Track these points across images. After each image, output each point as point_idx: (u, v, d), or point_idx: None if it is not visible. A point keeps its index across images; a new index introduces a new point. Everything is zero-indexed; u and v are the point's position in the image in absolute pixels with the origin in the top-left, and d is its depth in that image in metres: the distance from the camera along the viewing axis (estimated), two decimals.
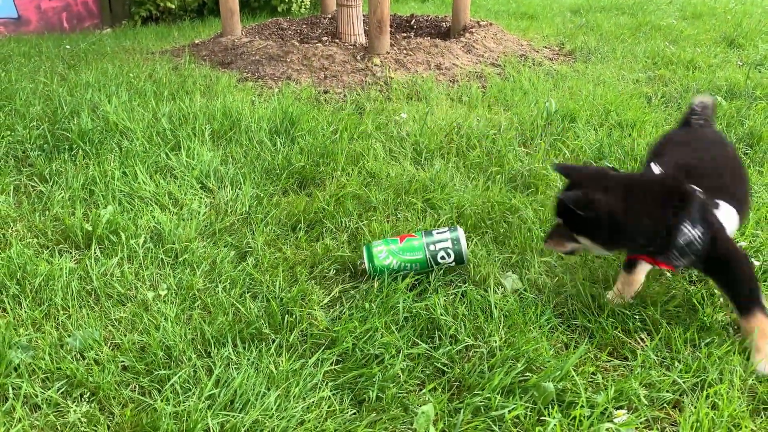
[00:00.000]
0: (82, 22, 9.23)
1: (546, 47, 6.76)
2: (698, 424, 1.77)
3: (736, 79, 5.24)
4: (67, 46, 6.78)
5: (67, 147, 3.58)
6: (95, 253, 2.62)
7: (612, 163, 3.39)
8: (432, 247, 2.52)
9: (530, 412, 1.83)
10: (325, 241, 2.76)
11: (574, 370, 1.97)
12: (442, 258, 2.53)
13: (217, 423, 1.80)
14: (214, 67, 5.62)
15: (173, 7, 9.34)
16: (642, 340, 2.19)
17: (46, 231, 2.79)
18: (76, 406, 1.85)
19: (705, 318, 2.25)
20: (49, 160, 3.47)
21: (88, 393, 1.91)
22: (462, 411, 1.83)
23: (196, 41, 6.69)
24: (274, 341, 2.14)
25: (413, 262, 2.51)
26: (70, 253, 2.67)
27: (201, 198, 3.12)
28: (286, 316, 2.25)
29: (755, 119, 4.18)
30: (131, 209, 2.98)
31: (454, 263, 2.55)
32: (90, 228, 2.75)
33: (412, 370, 2.03)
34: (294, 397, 1.90)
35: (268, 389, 1.93)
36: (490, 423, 1.80)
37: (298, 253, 2.68)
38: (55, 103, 4.17)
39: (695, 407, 1.83)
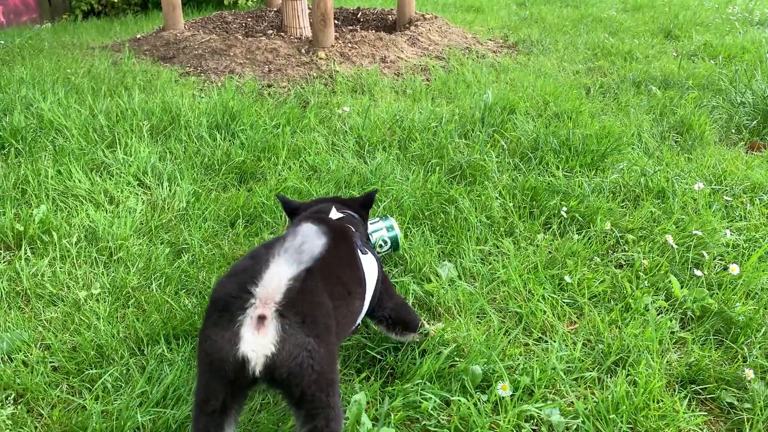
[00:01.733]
0: (20, 16, 8.93)
1: (490, 40, 6.86)
2: (617, 400, 1.85)
3: (670, 69, 5.42)
4: (1, 42, 6.55)
5: None
6: (26, 253, 2.57)
7: (548, 152, 3.48)
8: (370, 237, 2.55)
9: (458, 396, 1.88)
10: (264, 236, 2.76)
11: (503, 353, 2.04)
12: (380, 246, 2.57)
13: (149, 419, 1.80)
14: (156, 62, 5.53)
15: (116, 0, 9.11)
16: (573, 323, 2.27)
17: None
18: (1, 408, 1.82)
19: (630, 300, 2.34)
20: None
21: (15, 395, 1.88)
22: (390, 398, 1.87)
23: (138, 36, 6.56)
24: None
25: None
26: (0, 254, 2.60)
27: (137, 195, 3.08)
28: None
29: (686, 108, 4.34)
30: (65, 208, 2.92)
31: (391, 250, 2.59)
32: (21, 228, 2.69)
33: (348, 359, 2.06)
34: None
35: None
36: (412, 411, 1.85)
37: (236, 249, 2.67)
38: None
39: (616, 385, 1.91)
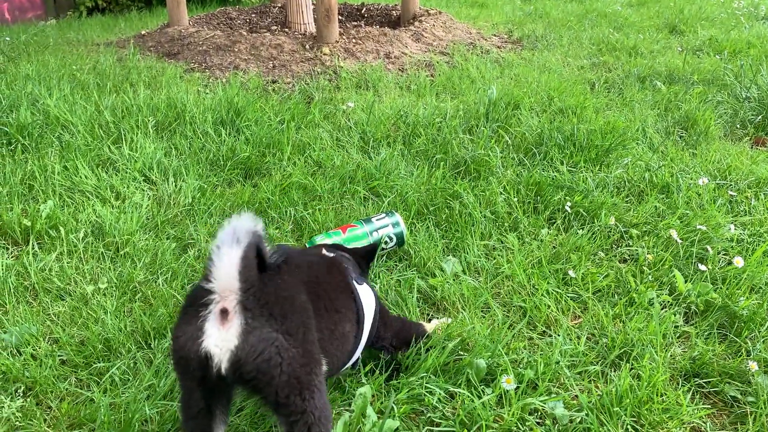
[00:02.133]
0: (25, 13, 8.96)
1: (495, 35, 6.85)
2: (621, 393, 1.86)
3: (675, 64, 5.41)
4: (7, 38, 6.58)
5: (5, 142, 3.51)
6: (33, 248, 2.59)
7: (552, 147, 3.48)
8: (375, 234, 2.56)
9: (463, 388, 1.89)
10: (269, 230, 2.78)
11: (507, 347, 2.05)
12: (386, 243, 2.58)
13: (156, 412, 1.82)
14: (161, 58, 5.54)
15: None
16: (577, 317, 2.28)
17: None
18: (10, 401, 1.84)
19: (634, 295, 2.34)
20: None
21: (24, 388, 1.90)
22: (395, 391, 1.88)
23: (143, 32, 6.57)
24: None
25: None
26: (8, 249, 2.63)
27: (143, 191, 3.10)
28: None
29: (691, 103, 4.34)
30: (72, 203, 2.94)
31: (396, 246, 2.60)
32: (29, 223, 2.71)
33: None
34: None
35: None
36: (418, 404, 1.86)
37: None
38: None
39: (620, 379, 1.92)
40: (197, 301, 1.38)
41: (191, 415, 1.46)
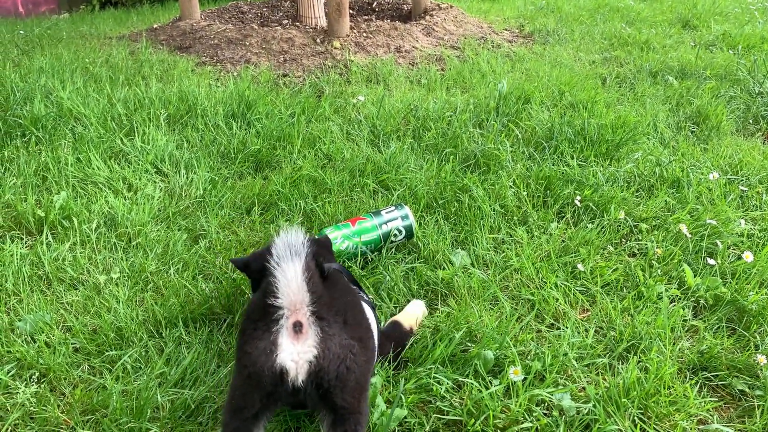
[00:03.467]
0: (38, 6, 9.03)
1: (506, 29, 6.83)
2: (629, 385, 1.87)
3: (688, 59, 5.37)
4: (21, 32, 6.64)
5: (19, 134, 3.55)
6: (47, 238, 2.62)
7: (563, 141, 3.47)
8: (384, 227, 2.58)
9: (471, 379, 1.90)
10: (279, 222, 2.80)
11: (515, 339, 2.06)
12: (395, 235, 2.59)
13: (168, 400, 1.84)
14: (172, 51, 5.57)
15: None
16: (585, 310, 2.29)
17: None
18: (25, 386, 1.87)
19: (642, 288, 2.35)
20: (0, 147, 3.43)
21: (38, 374, 1.94)
22: (404, 381, 1.90)
23: (155, 26, 6.61)
24: (225, 321, 2.18)
25: (368, 243, 2.56)
26: (22, 239, 2.66)
27: (155, 182, 3.13)
28: (239, 296, 2.29)
29: (703, 98, 4.31)
30: (84, 195, 2.98)
31: (405, 239, 2.61)
32: (42, 214, 2.74)
33: None
34: None
35: (219, 366, 1.98)
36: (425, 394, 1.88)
37: (252, 235, 2.71)
38: (8, 89, 4.10)
39: (627, 371, 1.92)
40: (265, 317, 1.38)
41: (240, 418, 1.46)
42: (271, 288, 1.38)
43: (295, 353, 1.36)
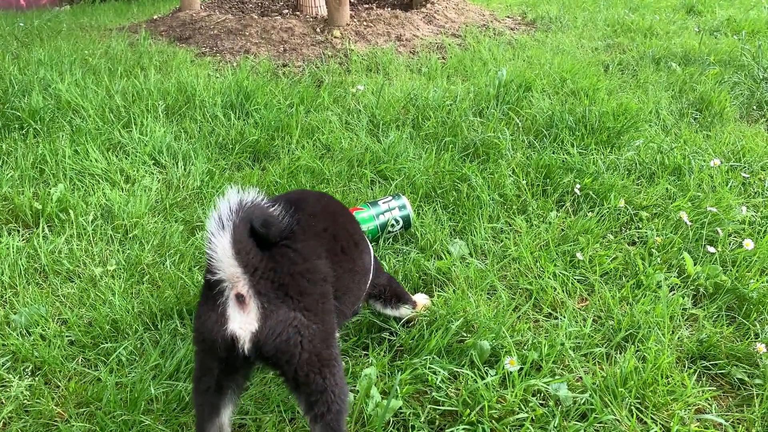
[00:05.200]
0: None
1: (508, 17, 6.77)
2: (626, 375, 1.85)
3: (691, 45, 5.31)
4: (21, 24, 6.62)
5: (17, 126, 3.54)
6: (44, 231, 2.62)
7: (563, 129, 3.44)
8: (382, 217, 2.56)
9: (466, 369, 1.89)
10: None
11: (512, 329, 2.04)
12: (392, 226, 2.58)
13: (162, 392, 1.84)
14: (172, 42, 5.55)
15: None
16: (584, 299, 2.27)
17: None
18: (19, 379, 1.87)
19: (642, 277, 2.32)
20: None
21: (33, 367, 1.93)
22: (400, 372, 1.89)
23: (155, 17, 6.58)
24: None
25: (366, 233, 2.54)
26: (19, 231, 2.66)
27: (153, 174, 3.12)
28: None
29: (706, 85, 4.26)
30: (82, 187, 2.97)
31: (402, 229, 2.60)
32: (39, 206, 2.74)
33: (359, 332, 2.08)
34: None
35: None
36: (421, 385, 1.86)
37: None
38: (6, 81, 4.09)
39: (625, 360, 1.90)
40: (212, 289, 1.37)
41: (201, 390, 1.48)
42: (208, 264, 1.36)
43: (242, 323, 1.35)
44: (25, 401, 1.81)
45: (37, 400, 1.81)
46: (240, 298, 1.34)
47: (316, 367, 1.41)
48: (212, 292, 1.37)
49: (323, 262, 1.52)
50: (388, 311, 2.04)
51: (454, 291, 2.25)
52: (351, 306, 1.73)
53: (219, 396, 1.48)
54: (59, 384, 1.89)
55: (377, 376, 1.89)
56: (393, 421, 1.76)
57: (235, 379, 1.50)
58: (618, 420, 1.74)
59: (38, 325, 2.11)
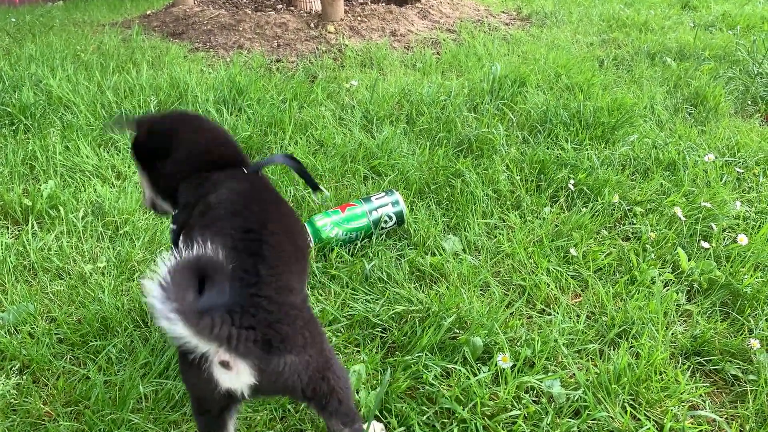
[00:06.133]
0: None
1: (503, 12, 6.75)
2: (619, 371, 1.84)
3: (686, 40, 5.30)
4: (13, 19, 6.57)
5: (7, 122, 3.50)
6: (33, 228, 2.59)
7: (557, 125, 3.43)
8: (375, 213, 2.54)
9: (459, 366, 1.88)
10: None
11: (505, 325, 2.03)
12: (385, 222, 2.56)
13: (152, 390, 1.82)
14: (165, 38, 5.51)
15: None
16: (577, 295, 2.25)
17: None
18: (6, 378, 1.85)
19: (636, 273, 2.31)
20: None
21: (20, 366, 1.91)
22: (392, 369, 1.87)
23: (148, 12, 6.54)
24: None
25: (358, 229, 2.52)
26: (8, 228, 2.63)
27: None
28: None
29: (701, 80, 4.25)
30: (72, 183, 2.94)
31: (396, 225, 2.58)
32: (29, 203, 2.71)
33: (351, 334, 2.06)
34: None
35: None
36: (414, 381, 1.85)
37: None
38: None
39: (618, 357, 1.89)
40: (192, 352, 1.22)
41: (207, 417, 1.44)
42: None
43: (235, 380, 1.27)
44: (13, 400, 1.79)
45: (25, 399, 1.79)
46: (226, 365, 1.25)
47: (320, 379, 1.37)
48: (192, 357, 1.23)
49: (288, 280, 1.39)
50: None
51: (447, 287, 2.23)
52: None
53: (226, 415, 1.44)
54: (47, 382, 1.87)
55: (369, 373, 1.87)
56: (386, 417, 1.75)
57: (237, 402, 1.44)
58: (611, 417, 1.73)
59: (27, 322, 2.08)
